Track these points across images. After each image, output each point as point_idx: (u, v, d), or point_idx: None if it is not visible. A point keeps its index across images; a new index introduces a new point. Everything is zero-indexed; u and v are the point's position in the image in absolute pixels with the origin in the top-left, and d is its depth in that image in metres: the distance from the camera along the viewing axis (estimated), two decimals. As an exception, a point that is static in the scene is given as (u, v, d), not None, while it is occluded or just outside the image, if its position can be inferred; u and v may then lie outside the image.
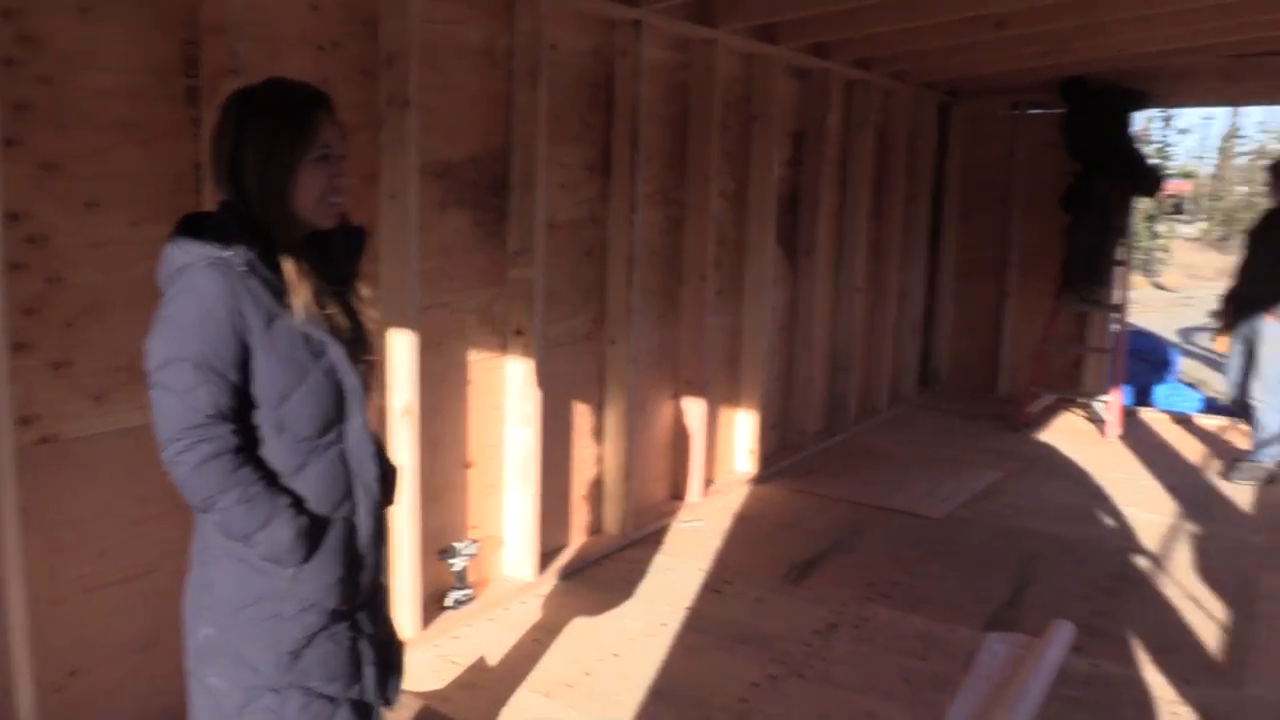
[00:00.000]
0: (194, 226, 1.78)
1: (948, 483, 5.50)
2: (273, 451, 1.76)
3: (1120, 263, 7.03)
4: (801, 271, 6.00)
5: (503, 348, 3.96)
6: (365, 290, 1.95)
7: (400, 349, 3.36)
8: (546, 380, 4.03)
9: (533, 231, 3.85)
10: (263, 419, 1.74)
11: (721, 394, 5.35)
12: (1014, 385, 7.53)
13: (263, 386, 1.72)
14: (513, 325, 3.94)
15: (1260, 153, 48.31)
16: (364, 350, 1.88)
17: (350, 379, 1.80)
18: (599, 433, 4.54)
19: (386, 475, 1.92)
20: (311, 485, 1.78)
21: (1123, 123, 6.93)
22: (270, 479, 1.74)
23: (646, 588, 4.08)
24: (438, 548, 3.74)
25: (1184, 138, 43.78)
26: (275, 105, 1.78)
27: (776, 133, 5.43)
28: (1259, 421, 5.70)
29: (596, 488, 4.58)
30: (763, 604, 3.94)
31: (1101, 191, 6.80)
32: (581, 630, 3.69)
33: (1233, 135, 49.73)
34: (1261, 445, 5.68)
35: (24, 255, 2.46)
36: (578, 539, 4.49)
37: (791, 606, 3.91)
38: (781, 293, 5.86)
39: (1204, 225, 45.17)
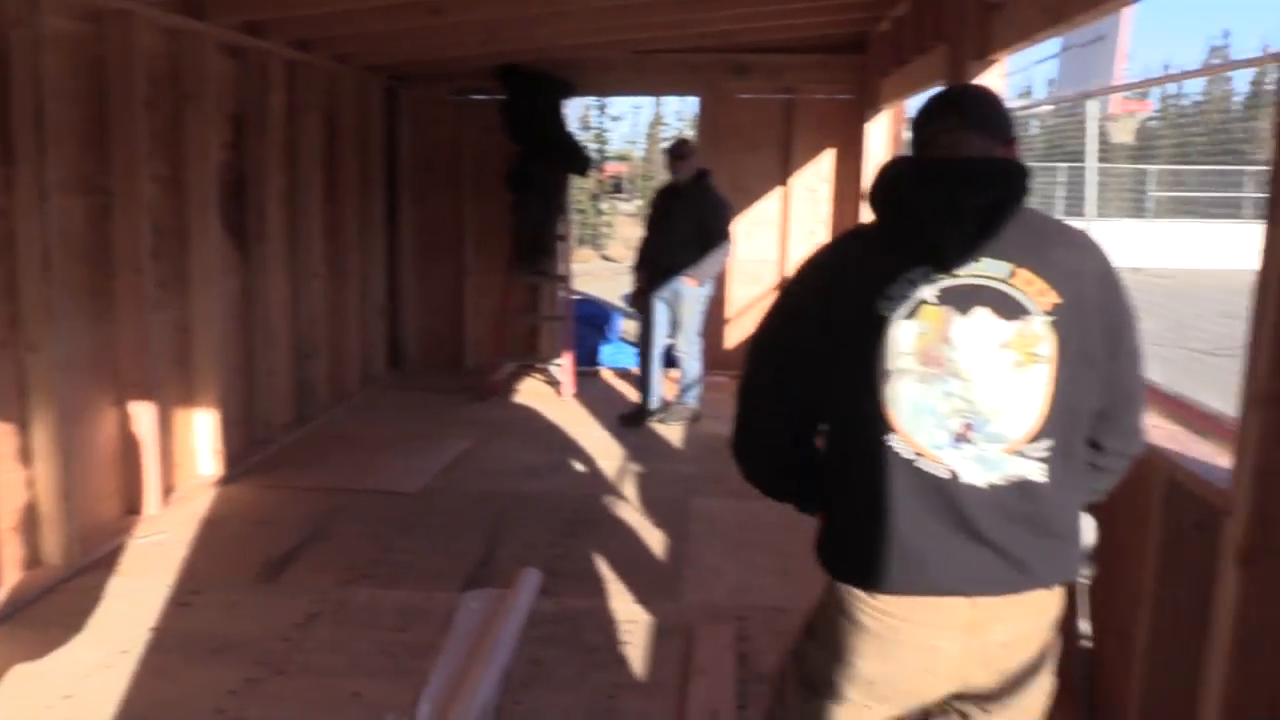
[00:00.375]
0: None
1: (421, 457, 5.65)
2: None
3: (563, 237, 7.66)
4: (254, 259, 5.75)
5: (-116, 367, 3.33)
6: None
7: None
8: (-51, 400, 3.48)
9: (-90, 227, 3.28)
10: None
11: (175, 395, 4.98)
12: (479, 357, 7.90)
13: None
14: (-105, 339, 3.33)
15: (677, 137, 55.10)
16: None
17: None
18: (26, 453, 4.00)
19: None
20: None
21: (554, 108, 7.53)
22: None
23: (101, 616, 3.70)
24: None
25: (618, 124, 48.47)
26: None
27: (213, 114, 5.14)
28: (684, 370, 6.54)
29: (29, 515, 4.04)
30: (237, 608, 3.77)
31: (540, 172, 7.35)
32: (24, 679, 3.25)
33: (658, 122, 56.29)
34: (686, 390, 6.55)
35: None
36: (11, 578, 3.93)
37: (268, 605, 3.78)
38: (234, 282, 5.58)
39: (639, 203, 50.59)
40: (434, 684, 3.12)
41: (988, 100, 1.77)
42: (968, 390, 1.57)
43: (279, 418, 5.93)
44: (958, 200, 1.57)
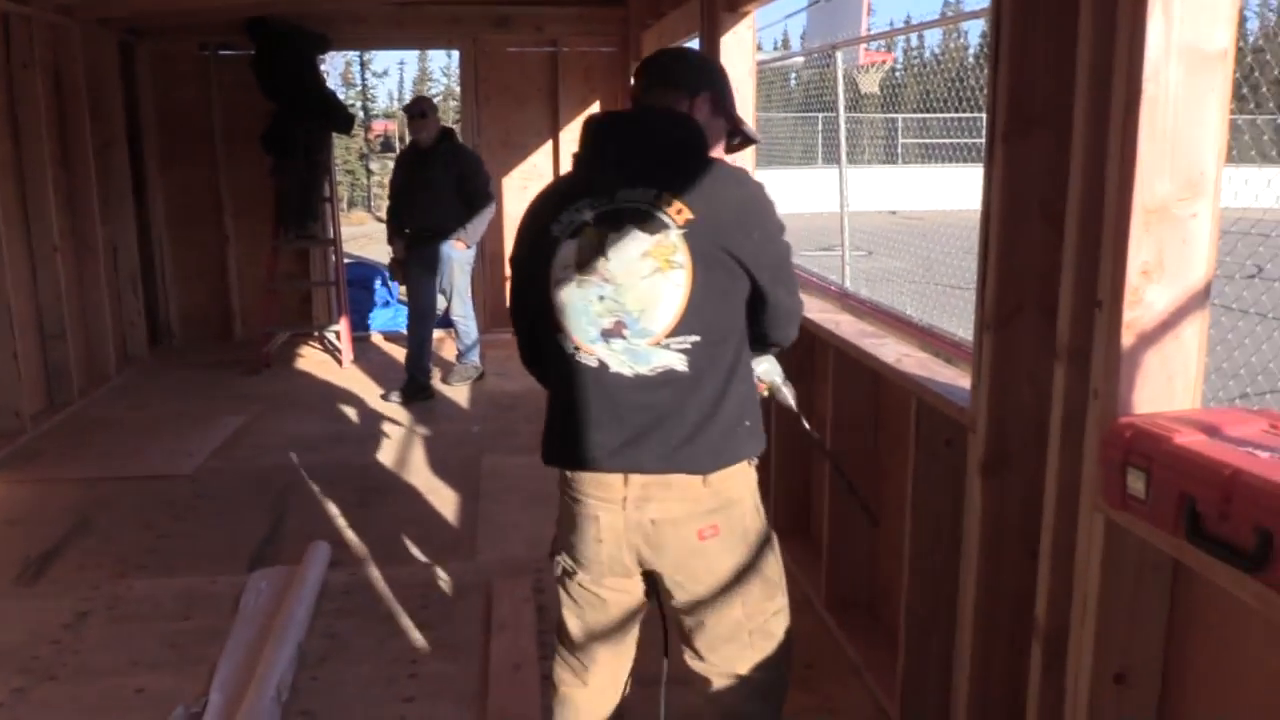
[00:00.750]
0: None
1: (193, 437, 5.35)
2: None
3: (328, 199, 7.38)
4: (-18, 235, 5.24)
5: None
6: None
7: None
8: None
9: None
10: None
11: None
12: (249, 329, 7.53)
13: None
14: None
15: (446, 94, 54.05)
16: None
17: None
18: None
19: None
20: None
21: (310, 63, 7.20)
22: None
23: None
24: None
25: (384, 80, 47.05)
26: None
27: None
28: (462, 333, 6.47)
29: None
30: (-5, 615, 3.48)
31: (299, 132, 7.03)
32: None
33: (424, 78, 54.81)
34: (467, 350, 6.50)
35: None
36: None
37: (32, 608, 3.50)
38: (-40, 261, 5.07)
39: (409, 158, 49.10)
40: (223, 670, 3.00)
41: (675, 60, 2.13)
42: (618, 293, 1.83)
43: (28, 406, 5.45)
44: (607, 143, 1.96)
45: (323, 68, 7.45)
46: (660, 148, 1.91)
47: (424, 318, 6.17)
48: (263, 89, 7.06)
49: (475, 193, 6.10)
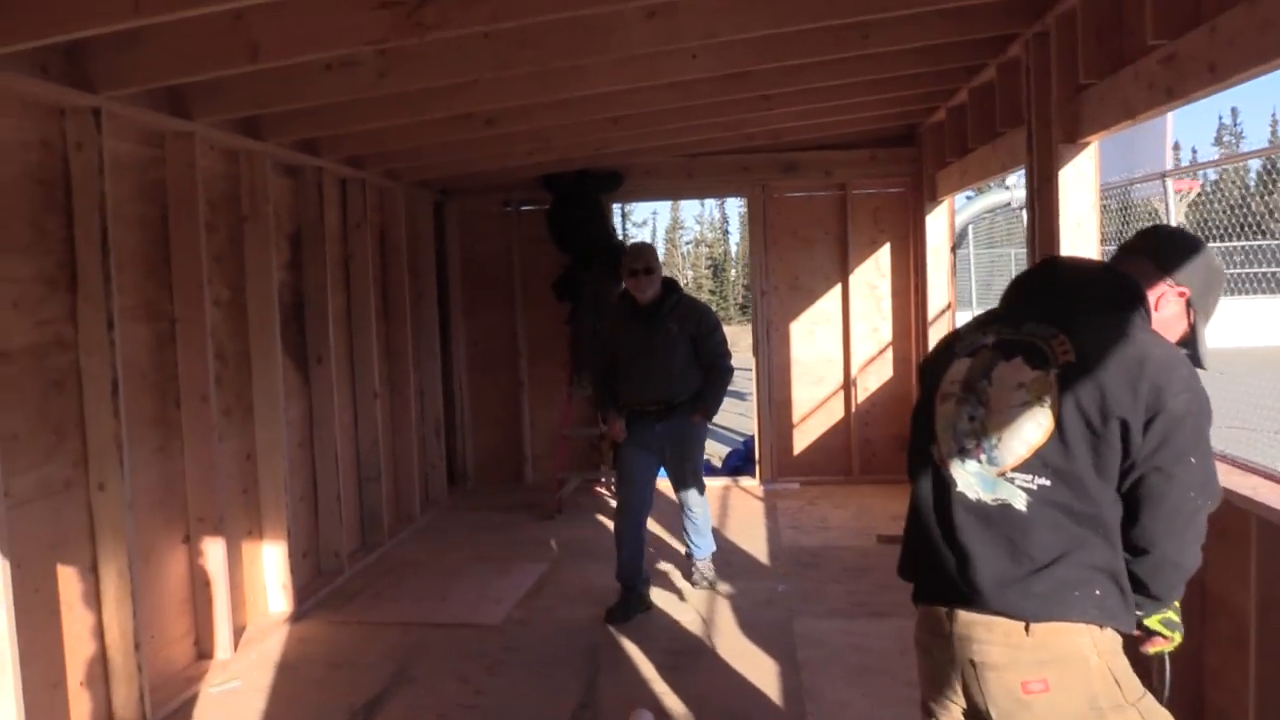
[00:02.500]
0: None
1: (497, 583, 5.31)
2: None
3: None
4: (315, 380, 5.54)
5: (-52, 515, 3.07)
6: None
7: None
8: (17, 547, 3.21)
9: (-21, 364, 3.06)
10: None
11: (242, 527, 4.70)
12: (540, 473, 7.61)
13: None
14: (-40, 485, 3.07)
15: (698, 240, 55.85)
16: None
17: None
18: (96, 599, 3.72)
19: None
20: None
21: (597, 214, 7.41)
22: None
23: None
24: None
25: (641, 230, 49.18)
26: None
27: (272, 234, 4.98)
28: (700, 522, 5.17)
29: (100, 666, 3.73)
30: (326, 766, 3.41)
31: (587, 280, 7.18)
32: None
33: (675, 226, 57.08)
34: (703, 544, 5.22)
35: None
36: (79, 738, 3.61)
37: (359, 761, 3.43)
38: (297, 405, 5.36)
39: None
40: None
41: (1171, 238, 2.11)
42: (986, 417, 1.87)
43: (345, 546, 5.62)
44: (1033, 280, 2.05)
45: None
46: (1078, 294, 1.92)
47: (640, 512, 4.90)
48: (555, 240, 7.32)
49: (716, 355, 4.96)
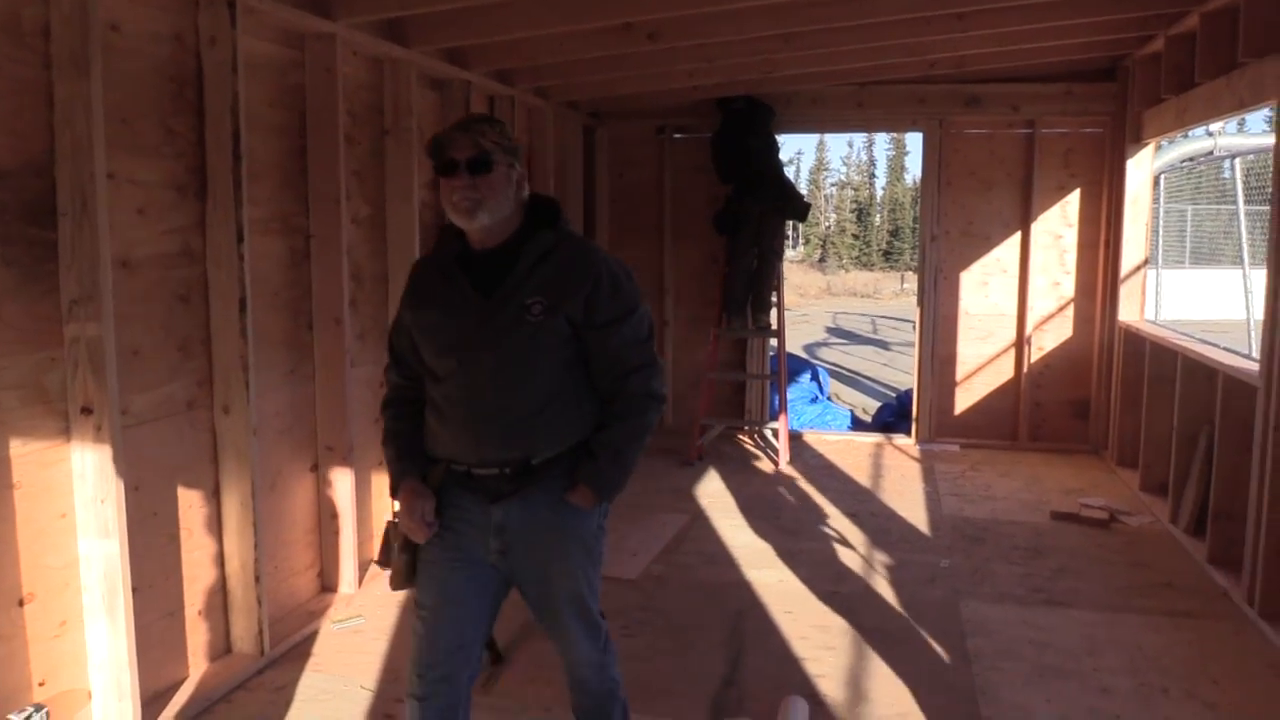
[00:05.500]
0: None
1: (634, 534, 4.98)
2: None
3: (776, 287, 6.95)
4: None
5: (65, 433, 2.87)
6: None
7: (-118, 452, 2.24)
8: (135, 469, 3.02)
9: (97, 271, 2.82)
10: None
11: (373, 458, 4.45)
12: (680, 417, 7.22)
13: None
14: (77, 400, 2.87)
15: (843, 183, 54.35)
16: None
17: None
18: (217, 526, 3.53)
19: None
20: None
21: (770, 144, 6.87)
22: None
23: (293, 728, 3.14)
24: (-19, 725, 2.61)
25: (787, 170, 48.19)
26: None
27: (416, 150, 4.66)
28: None
29: (219, 597, 3.56)
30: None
31: (752, 214, 6.68)
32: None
33: (820, 168, 55.59)
34: None
35: None
36: (198, 668, 3.45)
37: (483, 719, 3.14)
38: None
39: (804, 248, 49.92)
40: None
41: None
42: None
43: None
44: None
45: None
46: None
47: (446, 701, 2.44)
48: (719, 168, 6.82)
49: (626, 366, 2.42)
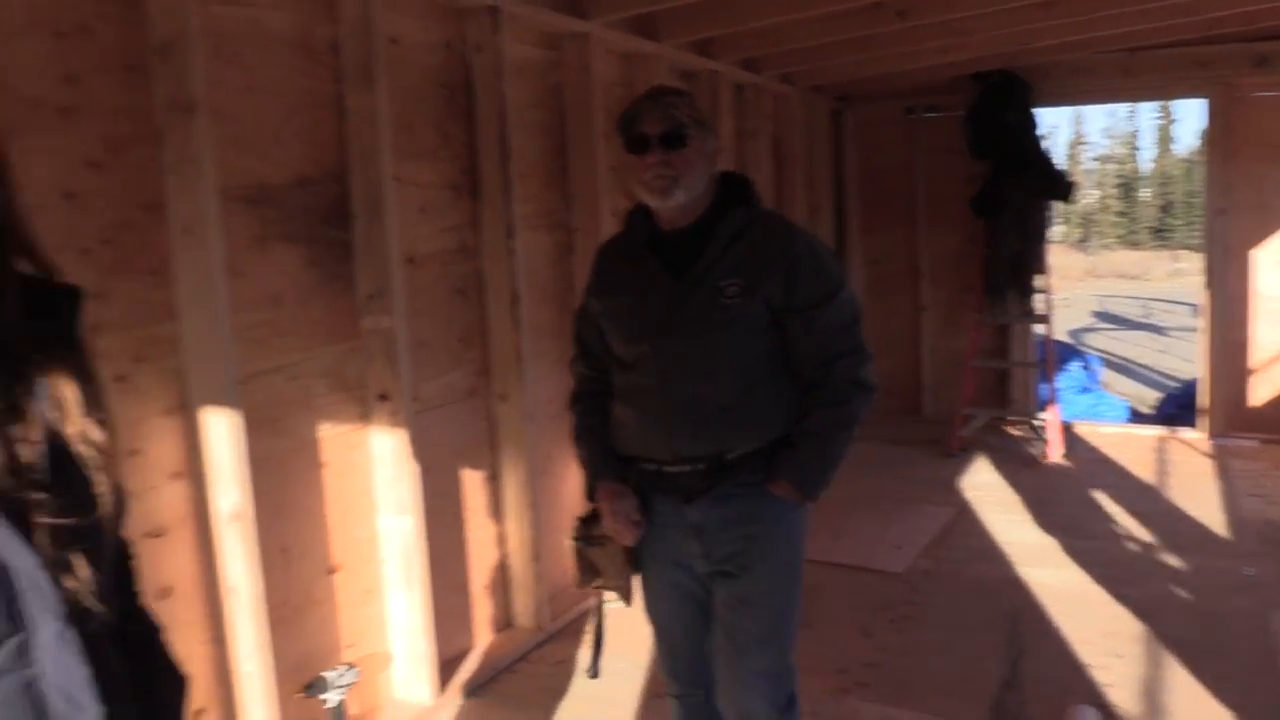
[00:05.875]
0: None
1: (898, 526, 4.84)
2: None
3: (1041, 270, 6.57)
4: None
5: (364, 417, 3.12)
6: (70, 391, 1.06)
7: (218, 434, 2.50)
8: (424, 452, 3.22)
9: (388, 268, 3.04)
10: None
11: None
12: (939, 405, 6.96)
13: None
14: (374, 388, 3.10)
15: (1105, 157, 50.82)
16: (56, 502, 0.99)
17: (25, 559, 0.95)
18: (497, 508, 3.72)
19: (126, 714, 1.06)
20: None
21: (1029, 120, 6.50)
22: None
23: (575, 700, 3.26)
24: (302, 682, 2.87)
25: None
26: None
27: (668, 143, 4.73)
28: None
29: (501, 574, 3.76)
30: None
31: (1013, 194, 6.34)
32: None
33: (1078, 141, 52.21)
34: None
35: None
36: (484, 639, 3.66)
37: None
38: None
39: (1064, 228, 47.10)
40: None
41: None
42: None
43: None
44: None
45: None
46: None
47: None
48: (973, 147, 6.53)
49: (833, 354, 2.32)
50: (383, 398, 3.08)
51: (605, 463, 2.24)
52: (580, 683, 3.36)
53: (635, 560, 2.25)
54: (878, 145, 7.23)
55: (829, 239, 6.85)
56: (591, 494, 2.27)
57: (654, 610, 2.31)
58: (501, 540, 3.73)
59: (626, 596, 2.25)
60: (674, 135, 2.06)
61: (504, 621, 3.77)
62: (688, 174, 2.08)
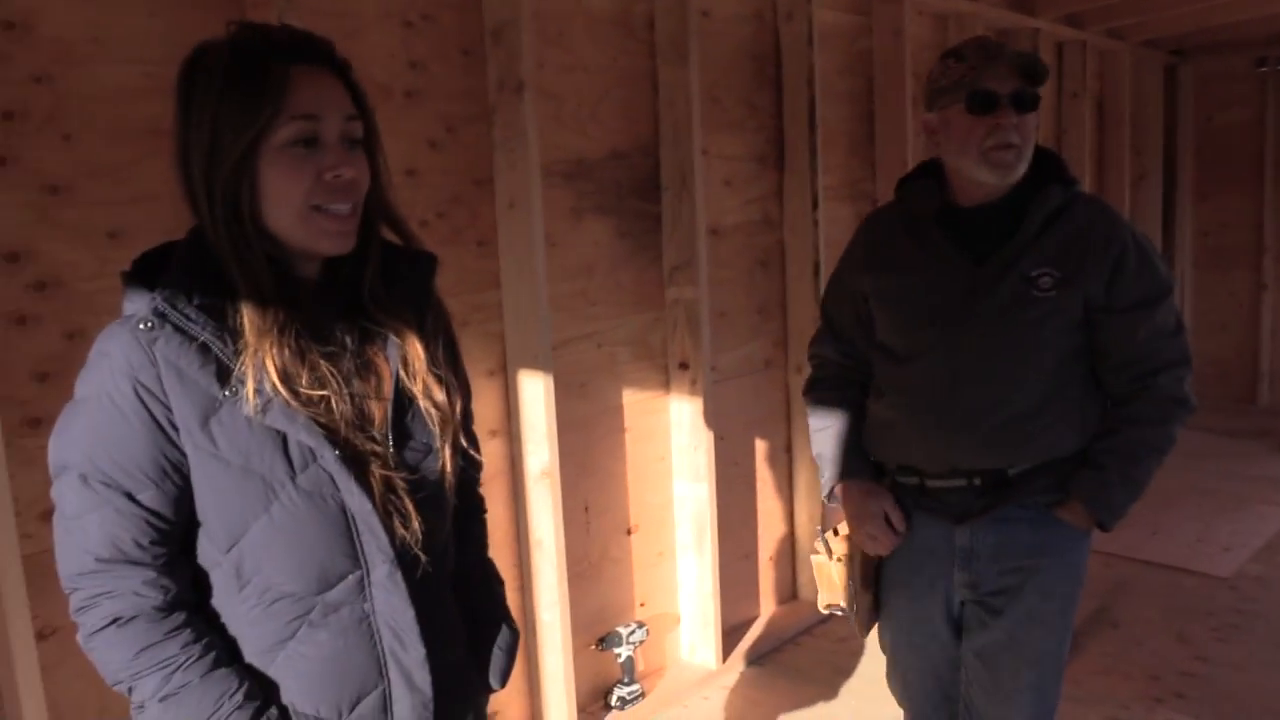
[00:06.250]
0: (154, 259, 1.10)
1: (1224, 526, 4.40)
2: (233, 613, 1.07)
3: None
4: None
5: (665, 385, 3.22)
6: (418, 351, 1.18)
7: (532, 396, 2.67)
8: (720, 421, 3.27)
9: (694, 240, 3.10)
10: (210, 561, 1.06)
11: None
12: (1277, 395, 6.25)
13: (205, 512, 1.04)
14: (675, 357, 3.19)
15: None
16: (395, 455, 1.11)
17: (362, 504, 1.06)
18: (789, 480, 3.73)
19: (451, 657, 1.17)
20: (299, 672, 1.07)
21: None
22: (227, 654, 1.05)
23: (861, 679, 3.23)
24: (596, 635, 3.04)
25: None
26: (225, 62, 1.05)
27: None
28: None
29: (788, 547, 3.77)
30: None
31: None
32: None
33: None
34: None
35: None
36: (768, 610, 3.70)
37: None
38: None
39: None
40: None
41: None
42: None
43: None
44: None
45: None
46: None
47: None
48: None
49: (1154, 363, 1.97)
50: (683, 366, 3.16)
51: (854, 461, 1.96)
52: (866, 662, 3.32)
53: (877, 584, 1.99)
54: (1219, 102, 6.52)
55: (1157, 207, 6.27)
56: (829, 494, 2.03)
57: (896, 648, 2.01)
58: (790, 513, 3.74)
59: (864, 626, 2.03)
60: (1028, 96, 1.74)
61: (789, 593, 3.78)
62: (1029, 145, 1.78)
